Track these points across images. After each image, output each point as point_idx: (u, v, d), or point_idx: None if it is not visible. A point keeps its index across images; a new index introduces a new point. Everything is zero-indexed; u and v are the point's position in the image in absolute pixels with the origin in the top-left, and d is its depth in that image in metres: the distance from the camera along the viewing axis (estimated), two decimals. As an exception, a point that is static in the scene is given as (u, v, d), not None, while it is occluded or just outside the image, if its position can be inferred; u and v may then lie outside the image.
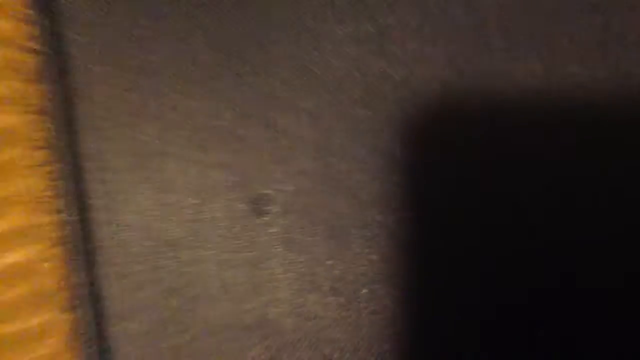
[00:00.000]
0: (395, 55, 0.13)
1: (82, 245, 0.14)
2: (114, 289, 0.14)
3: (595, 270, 0.13)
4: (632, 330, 0.14)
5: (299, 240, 0.14)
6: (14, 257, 0.14)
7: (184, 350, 0.14)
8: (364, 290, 0.14)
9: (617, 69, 0.13)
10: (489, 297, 0.14)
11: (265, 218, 0.14)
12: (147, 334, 0.14)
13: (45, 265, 0.14)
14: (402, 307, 0.14)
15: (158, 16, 0.14)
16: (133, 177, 0.14)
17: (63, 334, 0.14)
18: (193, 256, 0.14)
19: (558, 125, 0.13)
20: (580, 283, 0.14)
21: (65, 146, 0.14)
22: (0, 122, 0.14)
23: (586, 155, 0.13)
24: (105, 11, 0.14)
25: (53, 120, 0.14)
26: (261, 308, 0.14)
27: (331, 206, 0.14)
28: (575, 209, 0.13)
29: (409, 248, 0.14)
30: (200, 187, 0.14)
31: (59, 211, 0.14)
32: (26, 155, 0.14)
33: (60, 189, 0.14)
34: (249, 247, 0.14)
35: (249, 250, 0.14)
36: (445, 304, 0.14)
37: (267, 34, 0.14)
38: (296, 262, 0.14)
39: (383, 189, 0.14)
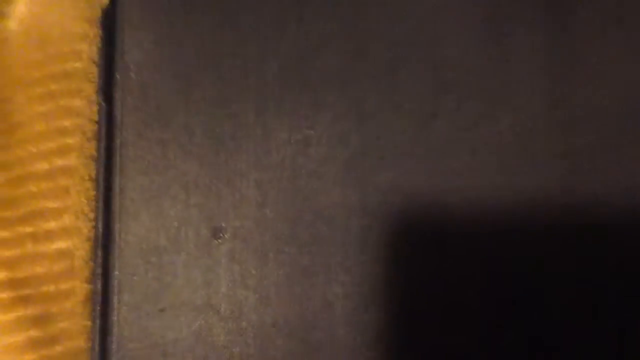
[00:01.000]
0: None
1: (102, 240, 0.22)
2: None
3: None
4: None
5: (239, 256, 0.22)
6: (59, 245, 0.23)
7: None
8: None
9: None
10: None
11: (219, 240, 0.22)
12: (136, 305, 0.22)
13: (77, 252, 0.22)
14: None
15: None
16: (144, 196, 0.22)
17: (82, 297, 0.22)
18: (170, 259, 0.22)
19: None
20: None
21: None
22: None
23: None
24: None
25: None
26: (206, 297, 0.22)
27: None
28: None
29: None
30: (183, 216, 0.22)
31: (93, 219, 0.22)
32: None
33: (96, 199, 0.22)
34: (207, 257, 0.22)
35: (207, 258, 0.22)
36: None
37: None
38: (234, 269, 0.22)
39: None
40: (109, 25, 0.23)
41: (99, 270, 0.22)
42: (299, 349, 0.22)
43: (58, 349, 0.22)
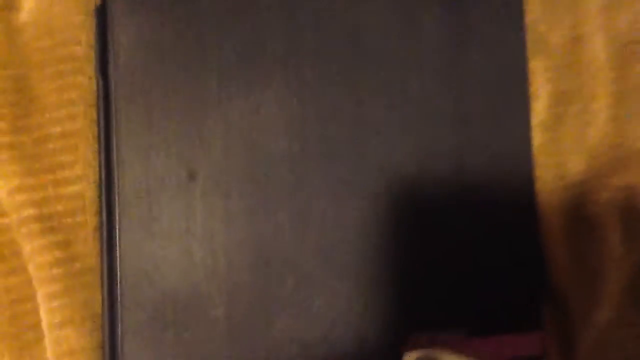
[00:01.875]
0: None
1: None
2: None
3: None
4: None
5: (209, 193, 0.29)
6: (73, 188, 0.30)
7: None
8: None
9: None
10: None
11: (194, 181, 0.29)
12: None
13: (87, 193, 0.30)
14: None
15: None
16: (135, 149, 0.29)
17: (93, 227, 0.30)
18: (157, 197, 0.29)
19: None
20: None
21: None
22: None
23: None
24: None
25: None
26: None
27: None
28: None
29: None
30: (165, 163, 0.29)
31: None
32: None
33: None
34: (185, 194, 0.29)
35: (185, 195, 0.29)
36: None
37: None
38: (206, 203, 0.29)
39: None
40: (102, 16, 0.30)
41: (104, 207, 0.29)
42: (257, 262, 0.30)
43: (77, 265, 0.29)
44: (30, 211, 0.29)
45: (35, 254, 0.29)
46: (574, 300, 0.33)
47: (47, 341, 0.29)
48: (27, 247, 0.29)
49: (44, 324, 0.29)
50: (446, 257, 0.31)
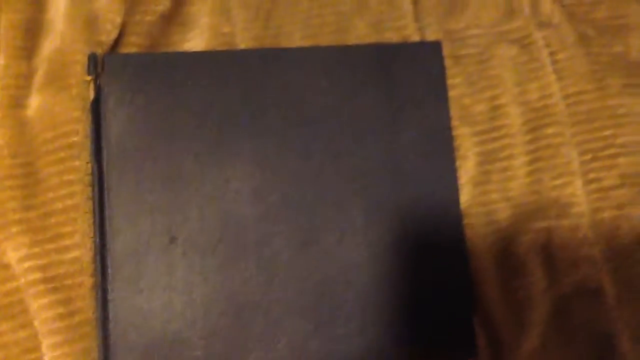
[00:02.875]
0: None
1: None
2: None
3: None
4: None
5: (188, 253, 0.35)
6: (73, 254, 0.35)
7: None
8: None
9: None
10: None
11: (174, 244, 0.35)
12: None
13: (85, 258, 0.35)
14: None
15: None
16: (125, 219, 0.35)
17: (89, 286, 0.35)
18: (145, 257, 0.35)
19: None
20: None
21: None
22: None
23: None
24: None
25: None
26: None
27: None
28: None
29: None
30: (150, 230, 0.35)
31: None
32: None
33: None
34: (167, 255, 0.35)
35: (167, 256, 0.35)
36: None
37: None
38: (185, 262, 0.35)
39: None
40: (96, 111, 0.36)
41: (99, 268, 0.35)
42: (229, 309, 0.35)
43: (76, 319, 0.34)
44: (37, 275, 0.35)
45: (40, 310, 0.34)
46: (504, 329, 0.38)
47: (52, 385, 0.34)
48: (34, 305, 0.34)
49: (49, 369, 0.34)
50: (391, 295, 0.36)
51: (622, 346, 0.38)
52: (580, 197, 0.40)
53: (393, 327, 0.36)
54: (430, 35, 0.42)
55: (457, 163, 0.40)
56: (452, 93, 0.41)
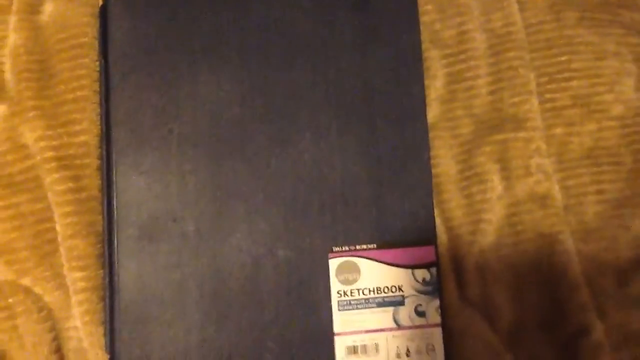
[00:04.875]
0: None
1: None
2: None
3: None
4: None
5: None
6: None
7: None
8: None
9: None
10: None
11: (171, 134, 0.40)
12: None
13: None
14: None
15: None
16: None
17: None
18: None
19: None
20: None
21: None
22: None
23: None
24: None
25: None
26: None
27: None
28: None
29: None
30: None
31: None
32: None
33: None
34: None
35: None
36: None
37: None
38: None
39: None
40: (104, 16, 0.41)
41: (104, 152, 0.39)
42: (217, 195, 0.39)
43: (84, 194, 0.39)
44: (50, 153, 0.39)
45: (53, 184, 0.39)
46: (463, 226, 0.43)
47: (62, 250, 0.39)
48: (47, 180, 0.39)
49: (60, 237, 0.39)
50: (360, 190, 0.41)
51: (566, 244, 0.43)
52: (535, 114, 0.44)
53: (362, 218, 0.40)
54: (406, -35, 0.46)
55: (427, 82, 0.44)
56: (423, 19, 0.45)
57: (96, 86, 0.41)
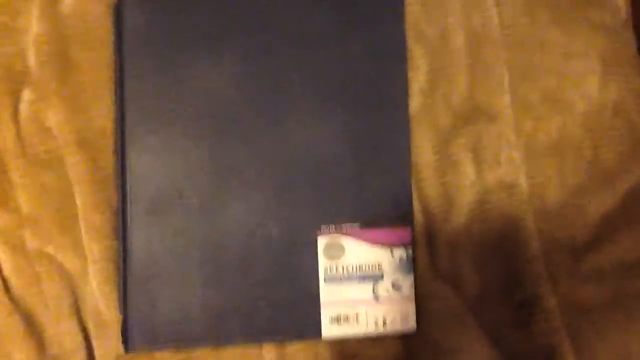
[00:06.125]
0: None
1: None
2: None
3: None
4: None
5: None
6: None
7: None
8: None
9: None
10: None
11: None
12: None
13: None
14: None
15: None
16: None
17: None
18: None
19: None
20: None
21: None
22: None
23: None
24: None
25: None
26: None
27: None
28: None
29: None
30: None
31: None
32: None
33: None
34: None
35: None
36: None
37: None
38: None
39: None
40: (118, 10, 0.45)
41: (119, 135, 0.44)
42: (216, 170, 0.44)
43: (102, 172, 0.44)
44: (72, 136, 0.44)
45: (74, 164, 0.44)
46: (437, 209, 0.48)
47: (81, 222, 0.44)
48: (69, 159, 0.44)
49: (79, 212, 0.44)
50: (343, 171, 0.46)
51: (529, 228, 0.48)
52: (507, 108, 0.48)
53: (346, 197, 0.46)
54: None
55: (410, 74, 0.48)
56: (409, 16, 0.49)
57: (112, 74, 0.45)
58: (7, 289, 0.44)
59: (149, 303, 0.43)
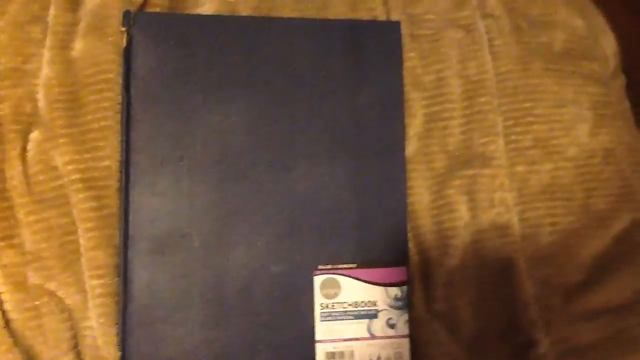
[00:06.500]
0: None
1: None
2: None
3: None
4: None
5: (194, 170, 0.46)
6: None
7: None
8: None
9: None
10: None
11: (182, 162, 0.46)
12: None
13: None
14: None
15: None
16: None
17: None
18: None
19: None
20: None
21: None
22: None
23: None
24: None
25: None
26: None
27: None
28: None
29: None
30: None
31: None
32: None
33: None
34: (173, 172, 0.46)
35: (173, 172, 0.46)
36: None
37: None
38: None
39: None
40: (127, 55, 0.46)
41: (123, 175, 0.45)
42: (221, 215, 0.45)
43: (105, 211, 0.45)
44: (77, 176, 0.45)
45: (78, 203, 0.45)
46: (432, 250, 0.49)
47: (84, 259, 0.45)
48: (74, 199, 0.45)
49: (82, 248, 0.45)
50: (345, 215, 0.47)
51: (522, 271, 0.49)
52: (501, 153, 0.50)
53: (345, 239, 0.47)
54: (395, 17, 0.52)
55: (407, 120, 0.50)
56: (407, 64, 0.51)
57: (119, 117, 0.46)
58: (7, 323, 0.44)
59: (148, 341, 0.44)
